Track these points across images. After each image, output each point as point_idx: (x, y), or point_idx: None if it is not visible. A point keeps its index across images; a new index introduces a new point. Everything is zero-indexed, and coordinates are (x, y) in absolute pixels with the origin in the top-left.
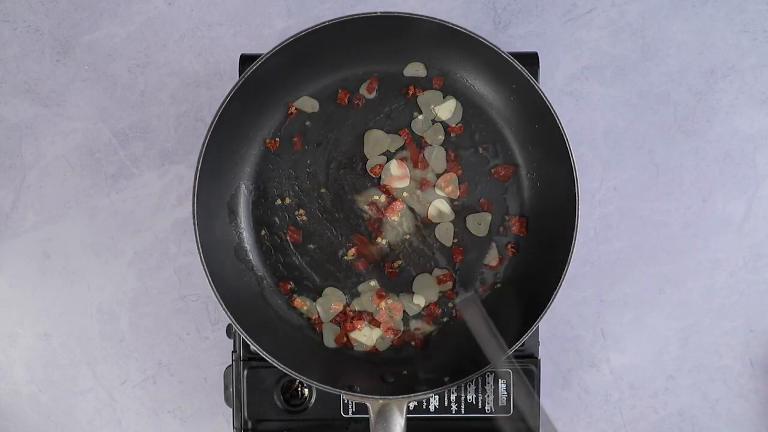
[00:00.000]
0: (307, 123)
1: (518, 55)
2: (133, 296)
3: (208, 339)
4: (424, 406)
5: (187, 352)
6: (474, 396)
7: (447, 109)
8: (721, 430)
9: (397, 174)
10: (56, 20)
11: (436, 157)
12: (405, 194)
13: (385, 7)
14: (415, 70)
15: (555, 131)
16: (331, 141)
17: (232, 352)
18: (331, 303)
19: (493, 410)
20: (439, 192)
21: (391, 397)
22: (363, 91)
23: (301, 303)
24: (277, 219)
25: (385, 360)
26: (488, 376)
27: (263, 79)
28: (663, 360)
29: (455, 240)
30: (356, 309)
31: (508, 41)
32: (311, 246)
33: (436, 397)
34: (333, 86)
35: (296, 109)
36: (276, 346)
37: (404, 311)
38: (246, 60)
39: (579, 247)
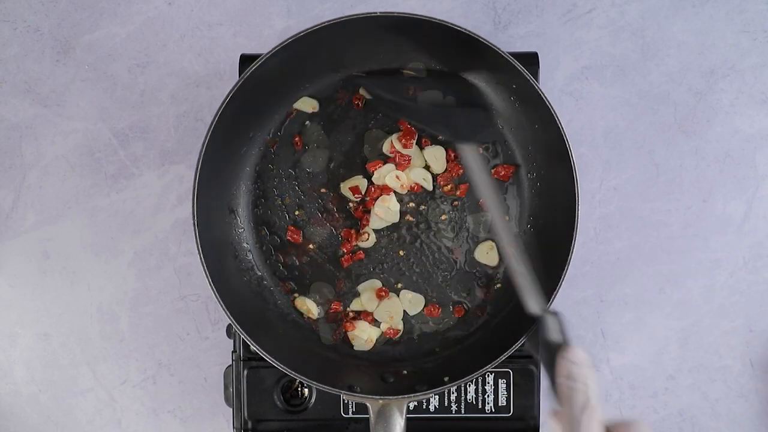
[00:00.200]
0: (307, 123)
1: (518, 55)
2: (133, 296)
3: (208, 339)
4: (424, 406)
5: (187, 352)
6: (474, 396)
7: None
8: (721, 430)
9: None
10: (56, 20)
11: (436, 157)
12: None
13: (385, 7)
14: (415, 70)
15: (555, 131)
16: (331, 141)
17: (232, 352)
18: (317, 297)
19: (493, 410)
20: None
21: (391, 397)
22: (363, 91)
23: (301, 303)
24: (277, 219)
25: (385, 360)
26: (488, 376)
27: (263, 79)
28: (663, 360)
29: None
30: (356, 309)
31: (508, 41)
32: (311, 246)
33: (436, 397)
34: (333, 86)
35: (296, 109)
36: (276, 346)
37: (404, 311)
38: (246, 60)
39: (579, 247)
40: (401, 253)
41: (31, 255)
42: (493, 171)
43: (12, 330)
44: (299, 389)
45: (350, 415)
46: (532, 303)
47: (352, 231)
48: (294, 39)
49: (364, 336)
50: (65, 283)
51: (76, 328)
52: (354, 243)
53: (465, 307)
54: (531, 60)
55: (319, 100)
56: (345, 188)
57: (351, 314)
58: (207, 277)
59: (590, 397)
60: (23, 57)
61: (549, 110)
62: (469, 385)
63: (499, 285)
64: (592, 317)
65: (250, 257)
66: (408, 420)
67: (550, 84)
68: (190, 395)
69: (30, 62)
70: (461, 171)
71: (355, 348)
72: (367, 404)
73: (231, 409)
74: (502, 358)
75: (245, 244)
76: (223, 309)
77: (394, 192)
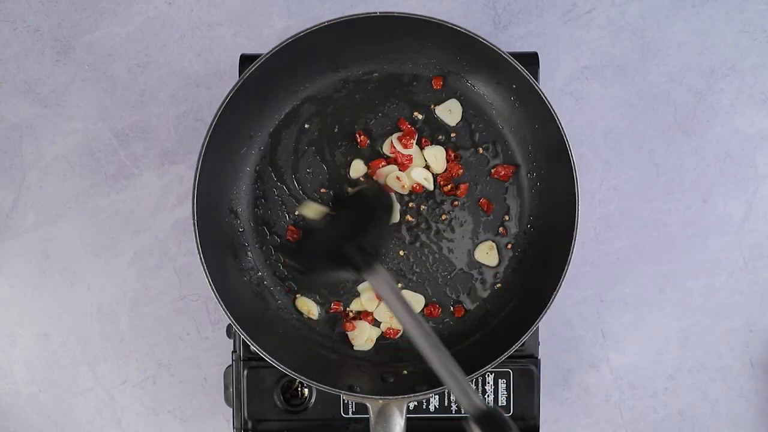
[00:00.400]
0: (307, 125)
1: (518, 55)
2: (133, 296)
3: (208, 339)
4: (424, 406)
5: (187, 352)
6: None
7: (447, 109)
8: (721, 430)
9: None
10: (56, 20)
11: (436, 157)
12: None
13: (385, 7)
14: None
15: (555, 131)
16: (331, 141)
17: (232, 352)
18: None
19: None
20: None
21: (391, 397)
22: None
23: (302, 303)
24: (277, 219)
25: (385, 360)
26: (488, 376)
27: (263, 79)
28: (663, 360)
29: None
30: (356, 309)
31: (508, 41)
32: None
33: (436, 397)
34: (333, 86)
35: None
36: (276, 346)
37: None
38: (246, 60)
39: (579, 247)
40: (401, 253)
41: (31, 255)
42: (493, 171)
43: (12, 330)
44: (299, 389)
45: (350, 415)
46: (467, 402)
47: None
48: (294, 39)
49: (364, 336)
50: (65, 283)
51: (76, 328)
52: None
53: (465, 307)
54: (531, 60)
55: (319, 100)
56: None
57: (351, 314)
58: (207, 277)
59: None
60: (23, 57)
61: (549, 110)
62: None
63: (499, 285)
64: (592, 317)
65: (250, 257)
66: (408, 420)
67: (550, 84)
68: (190, 395)
69: (30, 62)
70: (461, 171)
71: (355, 348)
72: (367, 404)
73: (231, 409)
74: (502, 358)
75: (245, 244)
76: (223, 309)
77: (395, 192)
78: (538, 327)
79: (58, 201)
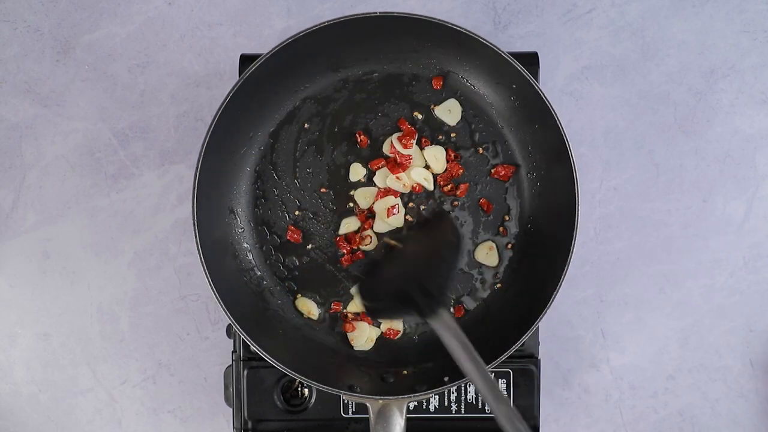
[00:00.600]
0: (307, 125)
1: (518, 55)
2: (133, 296)
3: (208, 339)
4: (424, 406)
5: (187, 352)
6: (474, 396)
7: (447, 109)
8: (721, 430)
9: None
10: (56, 20)
11: (436, 157)
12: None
13: (385, 7)
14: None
15: (555, 131)
16: (331, 141)
17: (232, 352)
18: (317, 298)
19: None
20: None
21: (391, 397)
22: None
23: (302, 303)
24: (277, 219)
25: (385, 360)
26: None
27: (263, 79)
28: (663, 360)
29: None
30: (353, 311)
31: (508, 41)
32: (311, 246)
33: (436, 397)
34: (333, 86)
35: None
36: (276, 346)
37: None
38: (246, 60)
39: (579, 247)
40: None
41: (31, 255)
42: (493, 171)
43: (12, 330)
44: (299, 389)
45: (350, 415)
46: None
47: (357, 235)
48: (294, 39)
49: (363, 336)
50: (65, 283)
51: (76, 328)
52: (356, 246)
53: (465, 307)
54: (531, 60)
55: (318, 100)
56: (359, 196)
57: (350, 315)
58: (207, 277)
59: None
60: (23, 57)
61: (549, 110)
62: (469, 385)
63: (499, 285)
64: (592, 317)
65: (250, 257)
66: (408, 420)
67: (550, 84)
68: (190, 395)
69: (30, 62)
70: (461, 171)
71: (355, 348)
72: (367, 404)
73: (231, 409)
74: (502, 358)
75: (245, 244)
76: (223, 309)
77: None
78: (538, 327)
79: (58, 201)
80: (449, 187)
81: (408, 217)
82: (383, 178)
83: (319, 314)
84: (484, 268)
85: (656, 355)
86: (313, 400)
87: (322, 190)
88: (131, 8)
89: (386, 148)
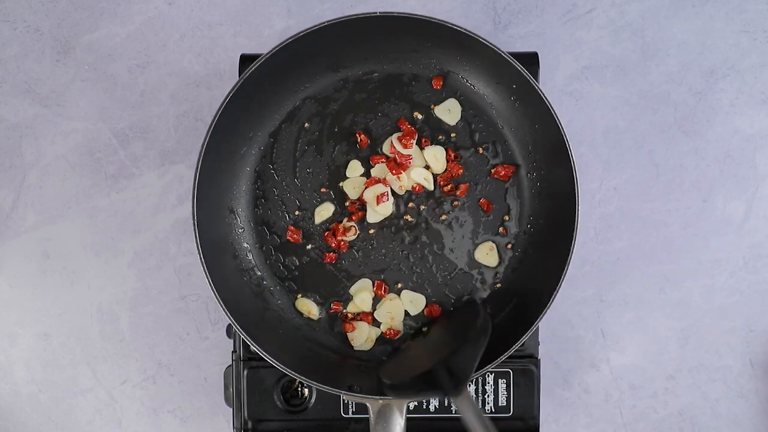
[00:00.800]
0: (307, 125)
1: (518, 55)
2: (133, 296)
3: (208, 339)
4: (424, 406)
5: (187, 352)
6: (474, 396)
7: (446, 109)
8: (721, 430)
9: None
10: (56, 20)
11: (436, 157)
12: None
13: (385, 7)
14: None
15: (555, 131)
16: (331, 141)
17: (232, 352)
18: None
19: (493, 410)
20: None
21: (391, 397)
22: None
23: (302, 303)
24: (277, 219)
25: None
26: (488, 376)
27: (263, 79)
28: (663, 360)
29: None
30: (352, 311)
31: (508, 41)
32: (311, 246)
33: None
34: (333, 86)
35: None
36: (276, 346)
37: (405, 311)
38: (246, 60)
39: (579, 247)
40: (402, 253)
41: (31, 255)
42: (493, 171)
43: (12, 330)
44: (299, 389)
45: (350, 415)
46: None
47: (340, 225)
48: (294, 39)
49: (363, 336)
50: (65, 283)
51: (76, 328)
52: (340, 237)
53: None
54: (531, 60)
55: (318, 100)
56: (347, 186)
57: (350, 315)
58: (207, 277)
59: None
60: (23, 57)
61: (549, 110)
62: (469, 385)
63: (499, 285)
64: (592, 317)
65: (250, 257)
66: (408, 420)
67: (550, 84)
68: (190, 395)
69: (30, 62)
70: (461, 171)
71: (355, 348)
72: (367, 404)
73: (231, 409)
74: (502, 358)
75: (245, 244)
76: (223, 309)
77: (392, 190)
78: (538, 327)
79: (58, 201)
80: (449, 187)
81: (408, 217)
82: (381, 171)
83: (319, 314)
84: (484, 268)
85: (656, 355)
86: (313, 400)
87: (322, 190)
88: (131, 8)
89: (386, 148)
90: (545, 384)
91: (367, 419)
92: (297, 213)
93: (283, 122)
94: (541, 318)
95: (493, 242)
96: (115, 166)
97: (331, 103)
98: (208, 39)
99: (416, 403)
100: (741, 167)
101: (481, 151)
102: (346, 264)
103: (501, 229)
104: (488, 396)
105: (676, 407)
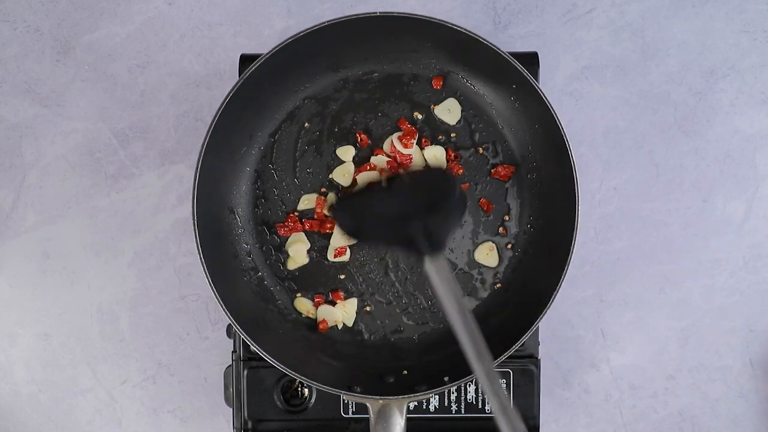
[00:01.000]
0: (307, 125)
1: (518, 55)
2: (133, 296)
3: (208, 339)
4: (424, 406)
5: (187, 352)
6: (474, 396)
7: (446, 109)
8: (721, 430)
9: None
10: (56, 20)
11: (436, 157)
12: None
13: (385, 7)
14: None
15: (555, 131)
16: (331, 141)
17: (232, 352)
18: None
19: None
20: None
21: (391, 397)
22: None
23: (302, 303)
24: (277, 219)
25: (385, 360)
26: None
27: (263, 79)
28: (663, 360)
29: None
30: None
31: (508, 41)
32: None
33: (436, 397)
34: (333, 86)
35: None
36: (276, 346)
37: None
38: (246, 60)
39: (579, 247)
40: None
41: (31, 255)
42: (493, 171)
43: (12, 330)
44: (299, 389)
45: (350, 415)
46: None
47: (324, 199)
48: (294, 39)
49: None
50: (65, 283)
51: (76, 328)
52: (321, 210)
53: None
54: (531, 60)
55: (319, 99)
56: (337, 175)
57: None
58: (207, 277)
59: None
60: (23, 57)
61: (549, 110)
62: (469, 385)
63: (499, 285)
64: (592, 317)
65: (250, 257)
66: (408, 420)
67: (550, 84)
68: (190, 395)
69: (30, 62)
70: (461, 171)
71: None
72: (367, 404)
73: (231, 409)
74: (502, 358)
75: (245, 244)
76: (223, 309)
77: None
78: (538, 327)
79: (58, 201)
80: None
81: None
82: (381, 161)
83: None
84: (484, 268)
85: (656, 355)
86: (313, 400)
87: (322, 190)
88: (131, 8)
89: (386, 148)
90: (545, 384)
91: (367, 419)
92: (297, 213)
93: (283, 122)
94: (541, 318)
95: (493, 242)
96: (115, 166)
97: (331, 103)
98: (208, 39)
99: (416, 403)
100: (741, 167)
101: (481, 151)
102: (347, 264)
103: (501, 229)
104: (488, 396)
105: (676, 407)
